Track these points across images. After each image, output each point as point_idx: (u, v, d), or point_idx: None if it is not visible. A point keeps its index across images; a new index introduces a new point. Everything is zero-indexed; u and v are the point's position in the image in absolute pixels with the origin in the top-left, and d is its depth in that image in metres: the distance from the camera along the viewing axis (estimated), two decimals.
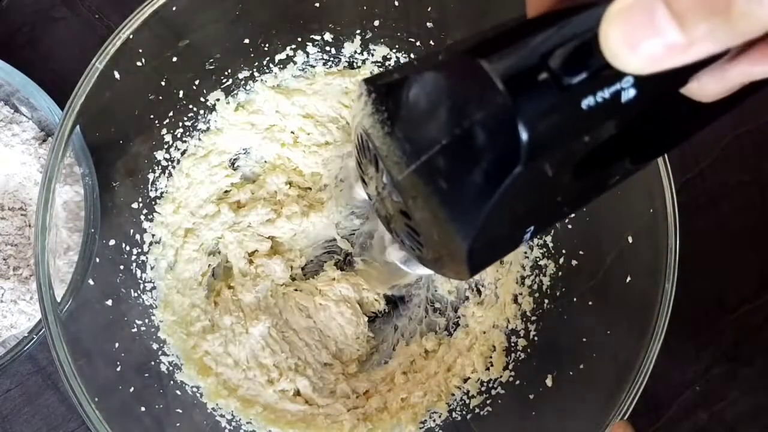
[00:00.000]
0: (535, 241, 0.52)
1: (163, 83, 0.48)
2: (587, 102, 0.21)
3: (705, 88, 0.23)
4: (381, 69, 0.53)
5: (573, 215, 0.49)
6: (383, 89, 0.27)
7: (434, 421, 0.53)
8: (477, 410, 0.52)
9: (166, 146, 0.51)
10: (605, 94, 0.21)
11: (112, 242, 0.48)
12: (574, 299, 0.48)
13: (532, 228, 0.27)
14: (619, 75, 0.21)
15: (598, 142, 0.24)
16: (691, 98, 0.24)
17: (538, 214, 0.27)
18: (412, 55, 0.52)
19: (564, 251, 0.50)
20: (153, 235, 0.51)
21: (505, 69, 0.21)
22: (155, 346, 0.50)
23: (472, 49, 0.22)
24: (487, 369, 0.53)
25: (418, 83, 0.25)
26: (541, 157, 0.22)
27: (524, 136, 0.21)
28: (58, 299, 0.42)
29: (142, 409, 0.47)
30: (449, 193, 0.24)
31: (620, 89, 0.21)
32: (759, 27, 0.17)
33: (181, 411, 0.49)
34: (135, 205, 0.50)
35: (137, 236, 0.50)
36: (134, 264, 0.50)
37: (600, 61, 0.20)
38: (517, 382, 0.51)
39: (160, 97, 0.48)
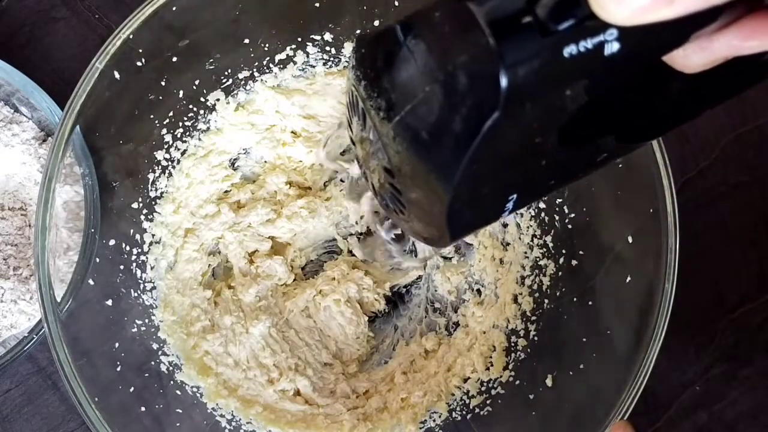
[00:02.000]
0: (535, 241, 0.53)
1: (163, 83, 0.48)
2: (569, 50, 0.21)
3: (689, 58, 0.23)
4: None
5: (573, 215, 0.49)
6: (372, 41, 0.27)
7: (434, 421, 0.53)
8: (477, 410, 0.52)
9: (166, 146, 0.51)
10: (588, 44, 0.21)
11: (112, 242, 0.48)
12: (574, 299, 0.48)
13: (515, 197, 0.27)
14: (604, 26, 0.21)
15: (582, 103, 0.24)
16: (677, 72, 0.24)
17: (521, 179, 0.27)
18: None
19: (564, 251, 0.50)
20: (153, 235, 0.51)
21: (491, 11, 0.21)
22: (155, 346, 0.50)
23: None
24: (487, 369, 0.53)
25: (405, 30, 0.25)
26: (520, 105, 0.22)
27: (504, 80, 0.21)
28: (58, 299, 0.42)
29: (142, 409, 0.47)
30: (430, 143, 0.24)
31: (604, 41, 0.21)
32: None
33: (181, 411, 0.50)
34: (135, 205, 0.50)
35: (137, 236, 0.50)
36: (134, 264, 0.50)
37: (586, 9, 0.20)
38: (517, 382, 0.51)
39: (160, 97, 0.48)
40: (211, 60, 0.49)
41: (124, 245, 0.49)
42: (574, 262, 0.49)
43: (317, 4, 0.48)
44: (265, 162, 0.57)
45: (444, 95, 0.23)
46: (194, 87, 0.50)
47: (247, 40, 0.49)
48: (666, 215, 0.42)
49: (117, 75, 0.44)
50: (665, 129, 0.29)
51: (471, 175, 0.24)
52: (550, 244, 0.51)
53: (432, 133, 0.24)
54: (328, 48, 0.52)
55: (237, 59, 0.50)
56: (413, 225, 0.30)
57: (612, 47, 0.21)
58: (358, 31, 0.51)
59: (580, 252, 0.49)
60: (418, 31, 0.24)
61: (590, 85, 0.23)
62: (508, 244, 0.55)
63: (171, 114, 0.50)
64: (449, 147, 0.24)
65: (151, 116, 0.49)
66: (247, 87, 0.52)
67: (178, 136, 0.51)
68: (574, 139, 0.26)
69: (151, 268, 0.51)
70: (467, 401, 0.53)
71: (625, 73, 0.23)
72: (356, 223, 0.58)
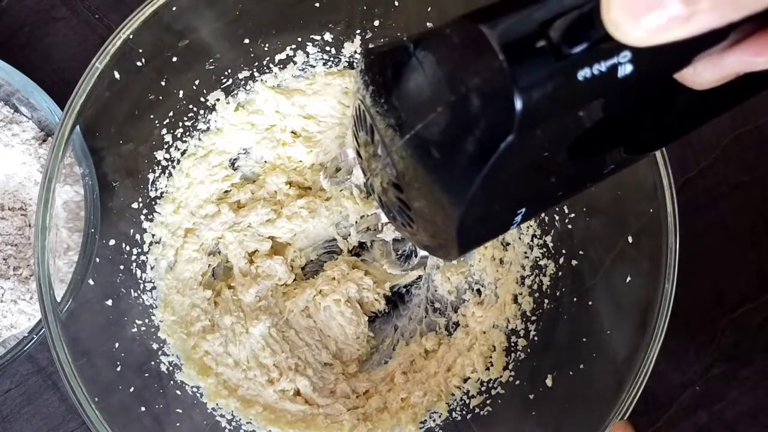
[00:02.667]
0: (535, 241, 0.53)
1: (163, 83, 0.48)
2: (584, 73, 0.21)
3: (700, 75, 0.23)
4: None
5: (573, 215, 0.49)
6: (381, 57, 0.27)
7: (434, 421, 0.53)
8: (477, 410, 0.52)
9: (166, 146, 0.51)
10: (602, 66, 0.21)
11: (112, 242, 0.48)
12: (574, 299, 0.48)
13: (523, 210, 0.27)
14: (618, 48, 0.21)
15: (593, 121, 0.24)
16: (687, 86, 0.24)
17: (531, 194, 0.27)
18: None
19: (564, 251, 0.50)
20: (153, 235, 0.51)
21: (505, 35, 0.21)
22: (155, 346, 0.50)
23: (473, 15, 0.22)
24: (487, 369, 0.53)
25: (417, 49, 0.24)
26: (534, 128, 0.22)
27: (519, 103, 0.21)
28: (58, 299, 0.42)
29: (142, 409, 0.47)
30: (442, 162, 0.24)
31: (617, 63, 0.21)
32: (760, 2, 0.17)
33: (181, 411, 0.50)
34: (135, 205, 0.50)
35: (137, 236, 0.50)
36: (134, 264, 0.50)
37: (600, 32, 0.20)
38: (517, 382, 0.51)
39: (160, 97, 0.48)
40: (211, 60, 0.49)
41: (124, 245, 0.49)
42: (574, 262, 0.49)
43: (317, 4, 0.48)
44: (265, 162, 0.57)
45: (456, 117, 0.23)
46: (194, 87, 0.50)
47: (247, 40, 0.49)
48: (666, 215, 0.42)
49: (117, 75, 0.44)
50: (672, 139, 0.29)
51: (482, 194, 0.24)
52: (550, 244, 0.51)
53: (443, 153, 0.24)
54: (328, 48, 0.52)
55: (237, 59, 0.50)
56: (421, 238, 0.30)
57: (625, 69, 0.21)
58: (358, 31, 0.51)
59: (580, 252, 0.49)
60: (429, 51, 0.24)
61: (603, 105, 0.23)
62: (508, 244, 0.55)
63: (171, 114, 0.50)
64: (461, 167, 0.24)
65: (151, 116, 0.49)
66: (247, 87, 0.52)
67: (178, 136, 0.51)
68: (583, 154, 0.26)
69: (151, 268, 0.51)
70: (467, 401, 0.53)
71: (637, 92, 0.23)
72: (356, 222, 0.58)
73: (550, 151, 0.24)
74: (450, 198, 0.25)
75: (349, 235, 0.59)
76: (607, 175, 0.28)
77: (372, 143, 0.29)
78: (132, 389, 0.47)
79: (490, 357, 0.54)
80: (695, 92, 0.25)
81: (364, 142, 0.30)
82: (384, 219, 0.44)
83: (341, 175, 0.53)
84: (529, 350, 0.52)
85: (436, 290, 0.59)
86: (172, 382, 0.50)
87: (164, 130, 0.50)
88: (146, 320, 0.50)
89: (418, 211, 0.28)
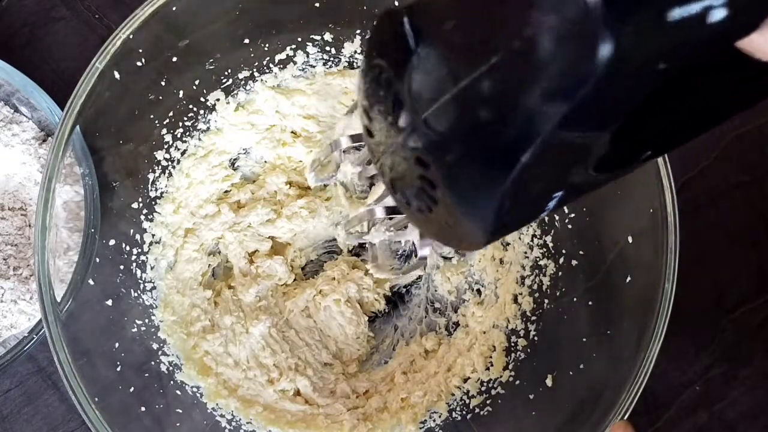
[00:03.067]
0: (535, 241, 0.52)
1: (163, 83, 0.48)
2: (674, 14, 0.18)
3: None
4: None
5: (573, 215, 0.49)
6: (417, 8, 0.23)
7: (434, 421, 0.53)
8: (477, 410, 0.52)
9: (166, 146, 0.51)
10: (694, 8, 0.18)
11: (112, 242, 0.48)
12: (574, 299, 0.48)
13: (560, 194, 0.24)
14: None
15: (662, 83, 0.20)
16: (748, 61, 0.22)
17: (572, 174, 0.23)
18: None
19: (564, 251, 0.50)
20: (153, 235, 0.51)
21: None
22: (155, 346, 0.50)
23: None
24: (487, 369, 0.53)
25: None
26: (613, 78, 0.18)
27: (607, 46, 0.17)
28: (58, 299, 0.42)
29: (142, 409, 0.47)
30: (493, 123, 0.20)
31: (710, 6, 0.18)
32: None
33: (181, 411, 0.50)
34: (135, 205, 0.50)
35: (137, 236, 0.50)
36: (134, 264, 0.50)
37: None
38: (517, 382, 0.51)
39: (160, 97, 0.48)
40: (211, 60, 0.49)
41: (124, 245, 0.49)
42: (574, 262, 0.49)
43: (317, 4, 0.48)
44: (265, 162, 0.57)
45: (517, 68, 0.19)
46: (194, 87, 0.50)
47: (247, 40, 0.49)
48: (666, 215, 0.42)
49: (117, 75, 0.44)
50: (714, 124, 0.25)
51: (536, 162, 0.20)
52: (550, 244, 0.51)
53: (496, 111, 0.20)
54: (328, 48, 0.52)
55: (237, 59, 0.50)
56: (437, 225, 0.27)
57: (717, 14, 0.19)
58: (358, 31, 0.51)
59: (580, 252, 0.49)
60: None
61: (682, 60, 0.20)
62: (508, 244, 0.55)
63: (171, 114, 0.50)
64: (518, 128, 0.20)
65: (151, 116, 0.49)
66: (247, 87, 0.52)
67: (178, 136, 0.51)
68: (637, 127, 0.22)
69: (151, 268, 0.51)
70: (467, 401, 0.53)
71: (714, 52, 0.20)
72: (345, 223, 0.58)
73: (613, 115, 0.21)
74: (498, 165, 0.21)
75: (338, 235, 0.58)
76: (635, 167, 0.25)
77: (392, 113, 0.25)
78: (132, 389, 0.47)
79: (490, 357, 0.54)
80: (753, 68, 0.22)
81: (381, 117, 0.26)
82: (379, 215, 0.41)
83: (330, 170, 0.51)
84: (529, 350, 0.52)
85: (436, 290, 0.59)
86: (172, 382, 0.50)
87: (164, 130, 0.50)
88: (146, 320, 0.50)
89: (446, 190, 0.24)
